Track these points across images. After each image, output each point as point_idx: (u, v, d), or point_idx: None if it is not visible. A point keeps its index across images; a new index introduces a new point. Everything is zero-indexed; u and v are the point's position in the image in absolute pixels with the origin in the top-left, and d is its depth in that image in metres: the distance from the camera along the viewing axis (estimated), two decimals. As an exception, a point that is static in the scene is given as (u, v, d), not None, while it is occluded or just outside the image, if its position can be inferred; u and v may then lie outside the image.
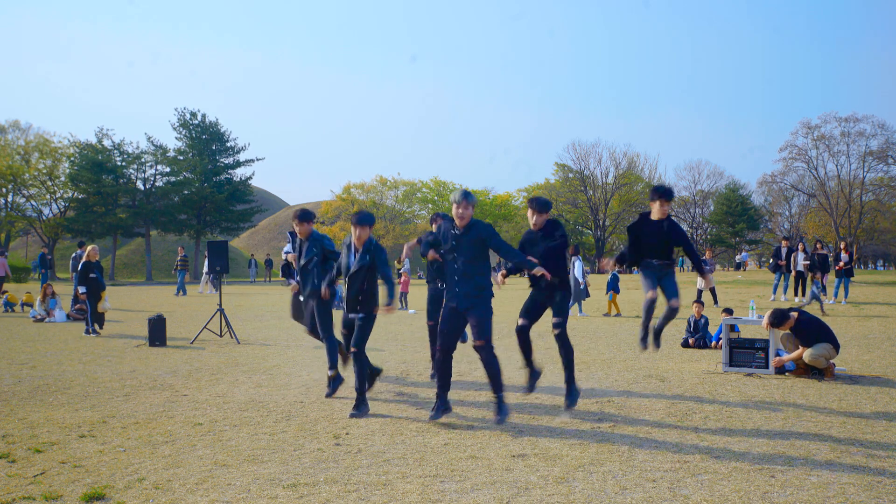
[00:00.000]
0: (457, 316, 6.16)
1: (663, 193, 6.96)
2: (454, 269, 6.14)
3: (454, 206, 6.10)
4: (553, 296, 6.69)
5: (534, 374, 6.91)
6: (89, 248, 13.50)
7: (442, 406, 6.26)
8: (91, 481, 4.65)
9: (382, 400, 7.27)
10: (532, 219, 6.82)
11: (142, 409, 6.85)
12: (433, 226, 8.16)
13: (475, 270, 6.11)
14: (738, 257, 58.16)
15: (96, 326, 13.46)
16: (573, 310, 17.24)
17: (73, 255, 25.24)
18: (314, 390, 7.80)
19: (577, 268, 17.05)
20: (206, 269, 26.44)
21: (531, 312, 6.80)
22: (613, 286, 17.93)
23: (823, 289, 17.36)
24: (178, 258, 28.23)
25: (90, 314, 13.36)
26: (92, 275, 13.30)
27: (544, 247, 6.65)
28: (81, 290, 13.30)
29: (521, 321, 6.79)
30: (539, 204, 6.80)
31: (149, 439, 5.71)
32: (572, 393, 6.77)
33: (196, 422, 6.30)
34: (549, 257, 6.58)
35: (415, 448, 5.42)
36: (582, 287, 17.39)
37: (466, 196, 6.10)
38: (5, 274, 28.51)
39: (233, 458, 5.16)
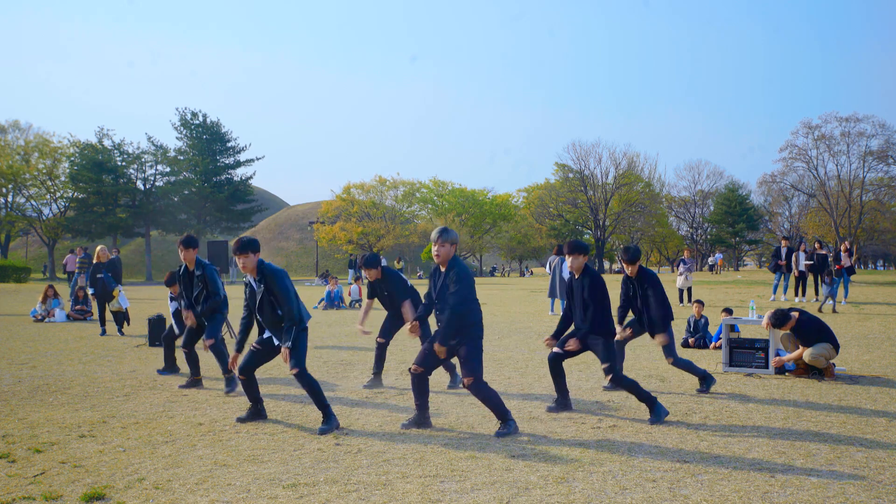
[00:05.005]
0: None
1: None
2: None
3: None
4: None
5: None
6: (98, 248, 13.47)
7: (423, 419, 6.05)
8: (91, 481, 4.65)
9: (382, 400, 7.28)
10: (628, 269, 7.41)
11: (142, 409, 6.85)
12: (360, 272, 8.25)
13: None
14: (710, 259, 54.26)
15: (123, 327, 13.33)
16: (556, 308, 17.61)
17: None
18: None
19: (564, 268, 17.55)
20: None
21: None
22: None
23: (835, 288, 17.48)
24: (77, 259, 19.41)
25: (100, 315, 13.35)
26: (99, 275, 13.25)
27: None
28: (90, 291, 13.32)
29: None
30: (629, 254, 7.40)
31: (149, 439, 5.71)
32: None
33: (196, 422, 6.30)
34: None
35: (415, 448, 5.42)
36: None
37: (441, 234, 5.75)
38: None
39: (233, 458, 5.16)
